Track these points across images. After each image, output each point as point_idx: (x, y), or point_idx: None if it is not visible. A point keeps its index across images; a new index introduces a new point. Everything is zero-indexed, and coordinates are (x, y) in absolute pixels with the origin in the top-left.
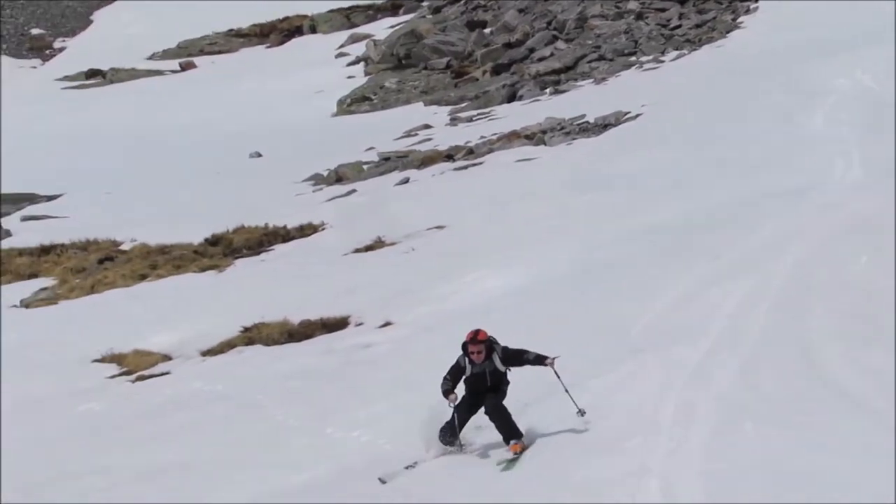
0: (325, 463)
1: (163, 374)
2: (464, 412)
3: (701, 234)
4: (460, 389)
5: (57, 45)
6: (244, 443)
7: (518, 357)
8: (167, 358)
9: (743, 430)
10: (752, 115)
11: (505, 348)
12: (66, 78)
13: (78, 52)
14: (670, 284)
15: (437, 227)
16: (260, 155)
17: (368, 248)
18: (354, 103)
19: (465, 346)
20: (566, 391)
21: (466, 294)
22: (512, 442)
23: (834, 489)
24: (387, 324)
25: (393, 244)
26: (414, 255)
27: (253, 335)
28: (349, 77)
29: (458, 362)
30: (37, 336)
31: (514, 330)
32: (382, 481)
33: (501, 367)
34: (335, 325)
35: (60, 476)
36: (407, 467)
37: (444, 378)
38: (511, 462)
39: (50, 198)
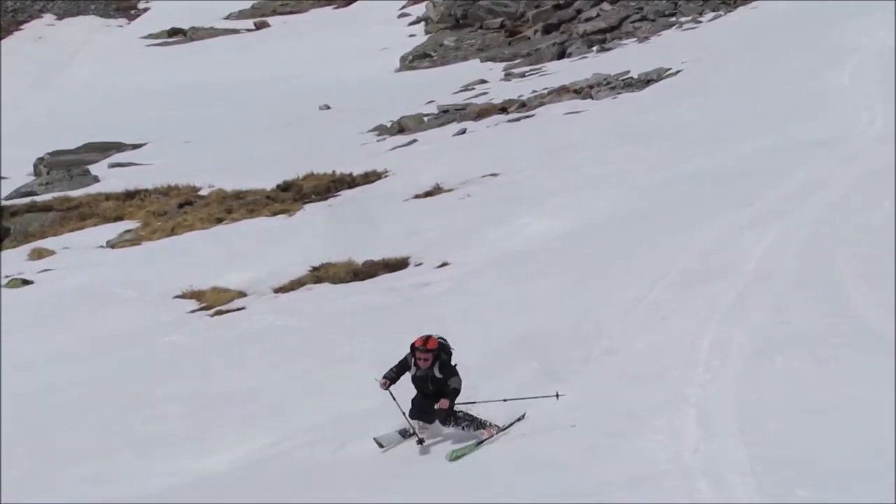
0: (385, 393)
1: (238, 310)
2: (414, 412)
3: (735, 182)
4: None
5: (141, 5)
6: (312, 372)
7: (443, 380)
8: (242, 294)
9: (774, 363)
10: (783, 71)
11: (446, 363)
12: (150, 36)
13: (160, 12)
14: (706, 228)
15: (492, 175)
16: (328, 107)
17: (428, 194)
18: (416, 60)
19: (412, 348)
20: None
21: (518, 237)
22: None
23: (857, 421)
24: (444, 264)
25: (450, 190)
26: (469, 200)
27: (321, 274)
28: (410, 35)
29: (405, 358)
30: (122, 274)
31: (563, 270)
32: (380, 444)
33: (439, 376)
34: (396, 265)
35: (143, 403)
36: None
37: (391, 367)
38: (468, 448)
39: (135, 146)
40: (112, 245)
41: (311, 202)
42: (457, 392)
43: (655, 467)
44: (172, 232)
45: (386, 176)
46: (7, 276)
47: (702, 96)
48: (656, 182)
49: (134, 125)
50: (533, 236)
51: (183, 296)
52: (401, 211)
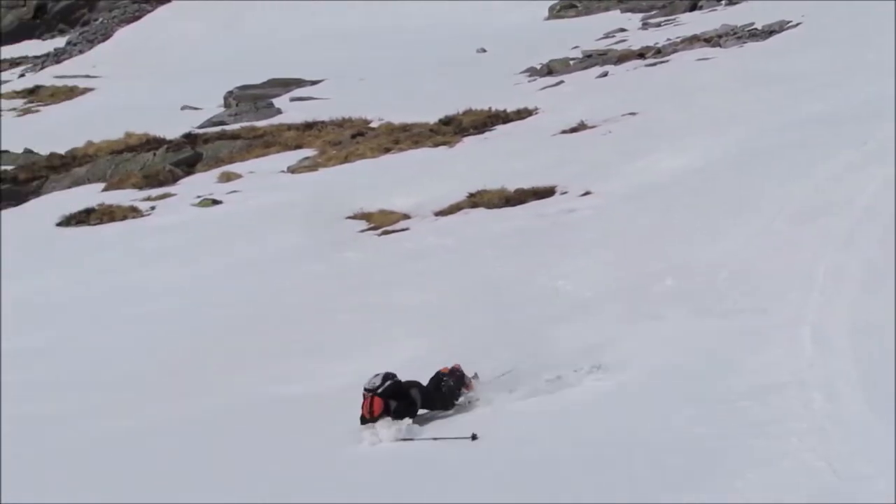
0: (535, 307)
1: (403, 230)
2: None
3: (850, 125)
4: None
5: None
6: (467, 287)
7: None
8: (406, 217)
9: (886, 289)
10: None
11: (401, 393)
12: None
13: None
14: (822, 167)
15: (630, 114)
16: (485, 51)
17: (573, 130)
18: (563, 10)
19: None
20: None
21: (653, 170)
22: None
23: None
24: (587, 193)
25: (593, 127)
26: (610, 136)
27: (476, 199)
28: None
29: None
30: (300, 196)
31: (693, 202)
32: (474, 437)
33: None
34: (544, 192)
35: (319, 312)
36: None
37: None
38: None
39: (314, 83)
40: (292, 170)
41: (469, 135)
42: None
43: (775, 378)
44: (346, 160)
45: (536, 113)
46: (199, 196)
47: (820, 46)
48: (777, 123)
49: (313, 64)
50: (666, 170)
51: (354, 217)
52: (549, 144)
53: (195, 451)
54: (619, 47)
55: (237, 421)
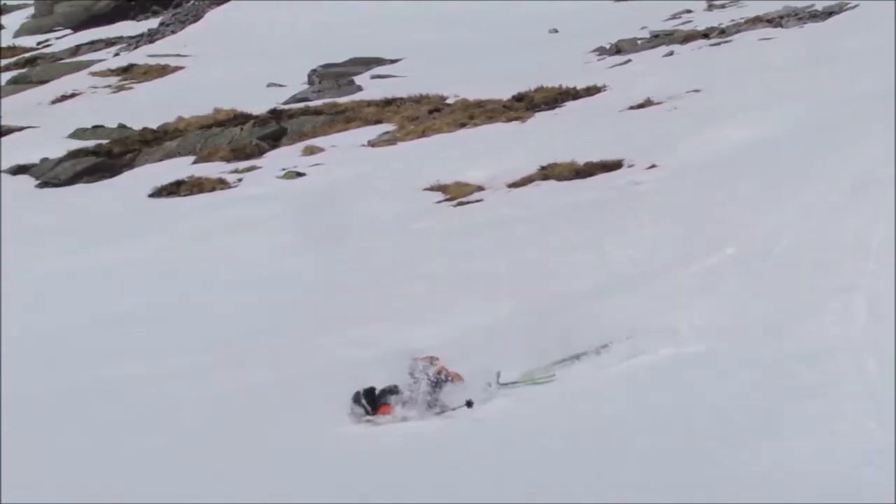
0: (602, 274)
1: (477, 201)
2: None
3: None
4: None
5: None
6: (540, 255)
7: None
8: (481, 188)
9: None
10: None
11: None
12: None
13: None
14: (876, 141)
15: (695, 91)
16: (556, 31)
17: (640, 106)
18: None
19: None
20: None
21: (716, 144)
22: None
23: None
24: (653, 166)
25: (659, 103)
26: (675, 112)
27: (548, 172)
28: None
29: None
30: (380, 169)
31: (754, 174)
32: (469, 404)
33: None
34: (612, 165)
35: (397, 279)
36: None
37: None
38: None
39: (393, 61)
40: (372, 144)
41: (540, 111)
42: None
43: (829, 343)
44: (423, 134)
45: (604, 90)
46: (283, 169)
47: (878, 27)
48: (835, 99)
49: (392, 43)
50: (729, 144)
51: (431, 188)
52: (617, 119)
53: (273, 414)
54: (685, 28)
55: (317, 384)
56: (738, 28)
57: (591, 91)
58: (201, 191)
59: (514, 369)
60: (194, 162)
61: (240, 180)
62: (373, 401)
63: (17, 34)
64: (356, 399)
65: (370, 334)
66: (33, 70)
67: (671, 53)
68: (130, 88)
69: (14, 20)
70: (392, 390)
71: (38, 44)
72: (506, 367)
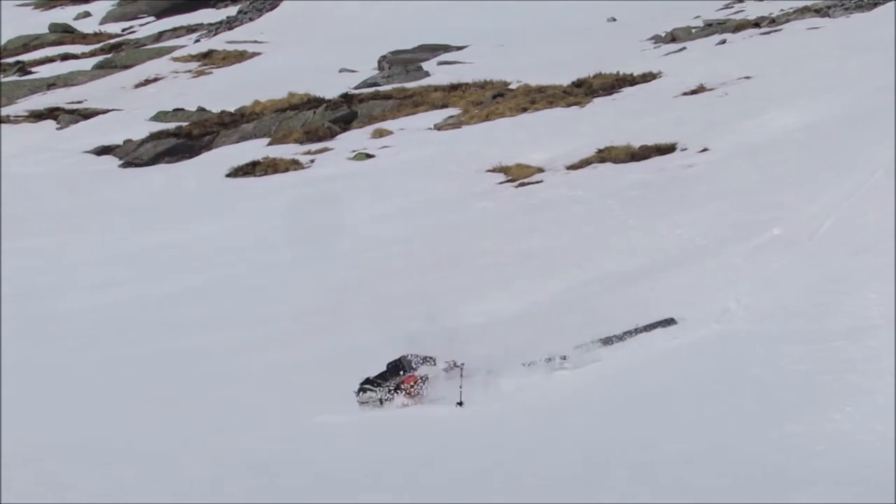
0: (654, 252)
1: (537, 182)
2: None
3: None
4: None
5: None
6: (594, 234)
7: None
8: (541, 170)
9: None
10: None
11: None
12: None
13: None
14: None
15: (745, 77)
16: (614, 20)
17: (693, 92)
18: None
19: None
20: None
21: (765, 129)
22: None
23: None
24: (704, 149)
25: (712, 89)
26: (727, 97)
27: (604, 155)
28: None
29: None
30: (445, 151)
31: (801, 157)
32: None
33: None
34: (666, 149)
35: (459, 256)
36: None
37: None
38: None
39: (459, 48)
40: (438, 128)
41: (598, 96)
42: None
43: (870, 321)
44: (486, 118)
45: (659, 76)
46: (354, 151)
47: None
48: (880, 86)
49: (458, 31)
50: (778, 129)
51: (493, 170)
52: (670, 105)
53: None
54: (737, 17)
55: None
56: (787, 17)
57: (647, 77)
58: (275, 171)
59: (566, 345)
60: (269, 143)
61: (312, 161)
62: (397, 370)
63: (104, 21)
64: (363, 387)
65: (432, 308)
66: (118, 55)
67: (724, 42)
68: (209, 73)
69: (100, 8)
70: (427, 360)
71: (123, 30)
72: (557, 344)
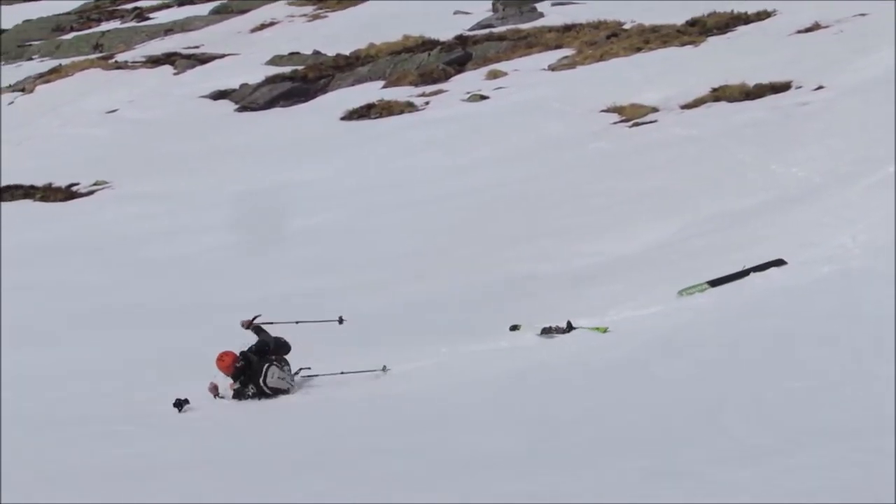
0: (770, 191)
1: (651, 122)
2: None
3: None
4: None
5: None
6: (709, 174)
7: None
8: (655, 110)
9: None
10: None
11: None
12: None
13: None
14: None
15: (861, 14)
16: None
17: (808, 30)
18: None
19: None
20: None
21: (879, 66)
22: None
23: None
24: (819, 87)
25: (827, 27)
26: (842, 35)
27: (719, 94)
28: None
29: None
30: (559, 92)
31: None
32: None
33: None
34: (780, 87)
35: (572, 197)
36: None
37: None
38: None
39: None
40: (552, 68)
41: (712, 35)
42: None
43: None
44: (600, 58)
45: (774, 14)
46: (468, 92)
47: None
48: None
49: None
50: (891, 66)
51: (607, 110)
52: (785, 42)
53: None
54: None
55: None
56: None
57: (762, 15)
58: (390, 114)
59: (679, 284)
60: (384, 86)
61: (427, 103)
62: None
63: None
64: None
65: (546, 250)
66: (234, 0)
67: None
68: (325, 17)
69: None
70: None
71: None
72: (671, 283)
